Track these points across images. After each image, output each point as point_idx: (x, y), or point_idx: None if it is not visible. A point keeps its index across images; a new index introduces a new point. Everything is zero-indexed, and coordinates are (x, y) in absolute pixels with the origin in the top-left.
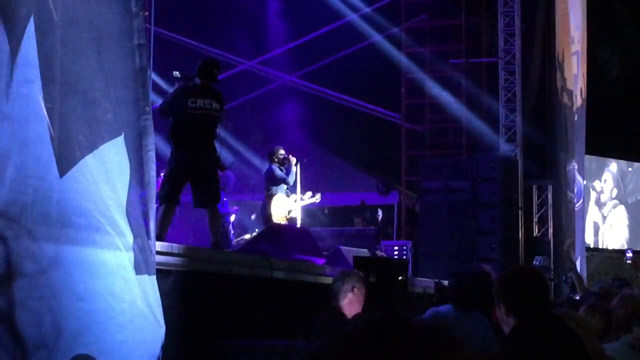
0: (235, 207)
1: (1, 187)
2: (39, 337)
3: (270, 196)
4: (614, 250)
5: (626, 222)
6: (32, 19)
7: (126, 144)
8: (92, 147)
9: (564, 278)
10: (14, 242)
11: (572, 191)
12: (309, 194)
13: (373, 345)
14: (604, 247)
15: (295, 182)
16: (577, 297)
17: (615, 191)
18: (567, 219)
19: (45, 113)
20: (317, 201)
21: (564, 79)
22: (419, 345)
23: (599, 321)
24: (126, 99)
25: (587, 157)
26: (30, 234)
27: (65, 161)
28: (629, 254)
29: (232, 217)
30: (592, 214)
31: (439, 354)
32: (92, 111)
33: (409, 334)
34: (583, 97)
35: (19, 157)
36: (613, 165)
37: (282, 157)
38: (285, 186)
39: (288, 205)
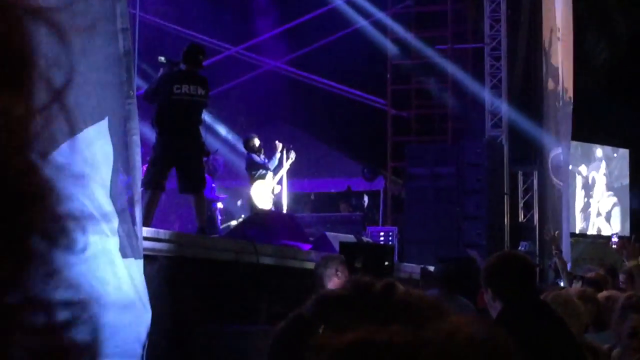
0: (224, 195)
1: None
2: None
3: (254, 181)
4: (599, 236)
5: (611, 207)
6: None
7: (109, 128)
8: (75, 130)
9: (549, 264)
10: None
11: (557, 177)
12: (289, 161)
13: (363, 306)
14: (590, 232)
15: (279, 167)
16: (562, 283)
17: (599, 177)
18: (553, 206)
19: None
20: (293, 158)
21: (549, 65)
22: (409, 309)
23: (590, 309)
24: (110, 83)
25: (573, 142)
26: None
27: (47, 144)
28: (615, 239)
29: (220, 204)
30: (578, 200)
31: (429, 317)
32: (74, 95)
33: (398, 297)
34: (567, 83)
35: None
36: (599, 151)
37: (257, 145)
38: (261, 171)
39: (269, 188)
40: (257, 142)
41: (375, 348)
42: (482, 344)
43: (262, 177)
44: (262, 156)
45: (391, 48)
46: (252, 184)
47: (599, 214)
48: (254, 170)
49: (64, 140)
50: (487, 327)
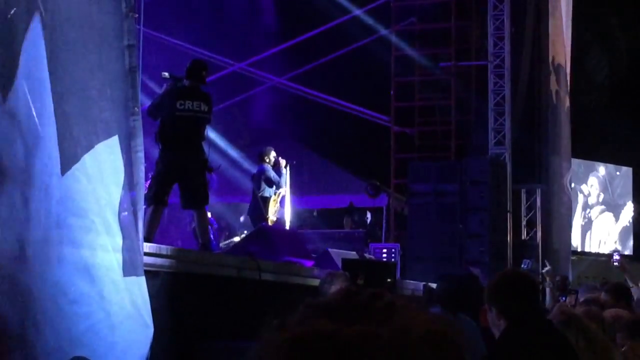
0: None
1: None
2: (36, 337)
3: (263, 199)
4: (600, 254)
5: (613, 225)
6: (36, 17)
7: (120, 145)
8: (89, 146)
9: (554, 282)
10: (15, 243)
11: (569, 195)
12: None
13: (344, 311)
14: (591, 250)
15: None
16: (565, 300)
17: (602, 195)
18: (560, 223)
19: (53, 111)
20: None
21: (559, 82)
22: (383, 311)
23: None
24: (117, 99)
25: (575, 160)
26: (30, 234)
27: (67, 159)
28: (616, 257)
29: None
30: (579, 218)
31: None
32: (88, 110)
33: (380, 304)
34: (568, 102)
35: (26, 155)
36: (601, 169)
37: (274, 158)
38: (274, 187)
39: (275, 205)
40: (273, 155)
41: (320, 340)
42: (432, 340)
43: (275, 194)
44: (274, 172)
45: (395, 65)
46: (263, 200)
47: (599, 232)
48: (265, 182)
49: (82, 154)
50: (443, 324)
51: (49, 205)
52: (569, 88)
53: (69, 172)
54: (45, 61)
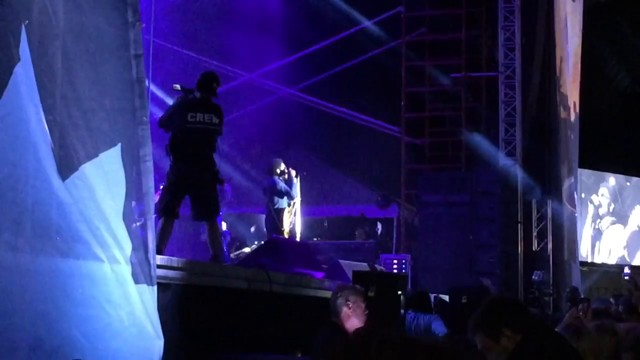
0: (226, 230)
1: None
2: (34, 339)
3: (277, 211)
4: (611, 265)
5: (624, 236)
6: (23, 27)
7: (122, 154)
8: (91, 155)
9: (564, 294)
10: (12, 249)
11: (574, 205)
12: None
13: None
14: (602, 262)
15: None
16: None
17: (612, 205)
18: (569, 235)
19: (44, 121)
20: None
21: (561, 94)
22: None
23: (610, 342)
24: (123, 109)
25: (586, 171)
26: (29, 243)
27: (65, 168)
28: (627, 270)
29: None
30: (589, 228)
31: None
32: (89, 120)
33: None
34: (576, 111)
35: (20, 160)
36: (611, 180)
37: (282, 169)
38: (286, 199)
39: (290, 217)
40: (282, 167)
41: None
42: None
43: (288, 205)
44: (284, 183)
45: (405, 76)
46: (276, 212)
47: (610, 243)
48: (277, 195)
49: (81, 164)
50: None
51: (48, 211)
52: (576, 98)
53: (68, 180)
54: (31, 71)
